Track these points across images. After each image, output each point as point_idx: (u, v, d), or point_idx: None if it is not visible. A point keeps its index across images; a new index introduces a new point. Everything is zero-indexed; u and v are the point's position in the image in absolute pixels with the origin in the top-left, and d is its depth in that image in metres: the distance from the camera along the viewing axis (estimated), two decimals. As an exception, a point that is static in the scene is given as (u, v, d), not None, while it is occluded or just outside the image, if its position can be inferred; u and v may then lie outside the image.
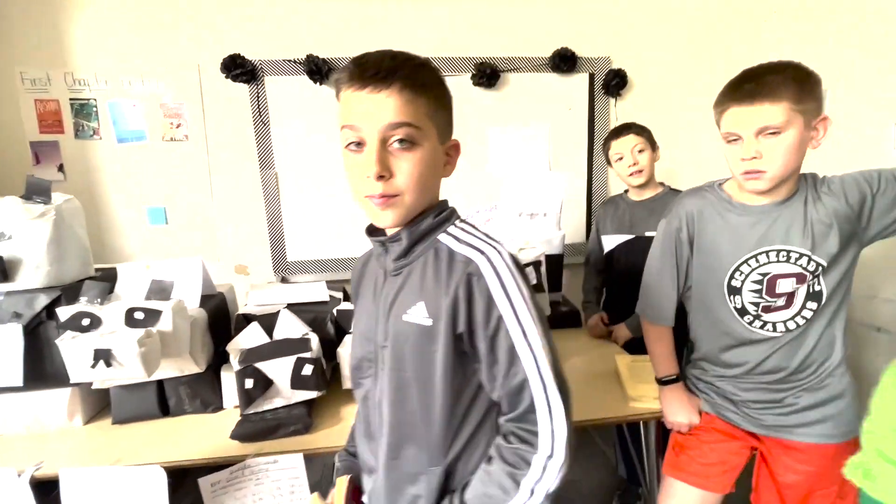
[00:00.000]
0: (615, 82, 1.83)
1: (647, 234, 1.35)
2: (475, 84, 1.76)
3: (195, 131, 1.73)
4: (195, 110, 1.72)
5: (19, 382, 0.95)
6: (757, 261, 0.84)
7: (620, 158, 1.35)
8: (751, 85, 0.78)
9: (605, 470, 1.66)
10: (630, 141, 1.33)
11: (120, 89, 1.66)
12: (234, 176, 1.77)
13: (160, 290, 0.99)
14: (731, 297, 0.87)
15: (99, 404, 1.08)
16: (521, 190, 1.55)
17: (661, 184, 1.41)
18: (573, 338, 1.44)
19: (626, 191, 1.45)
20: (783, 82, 0.75)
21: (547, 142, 1.88)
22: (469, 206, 1.73)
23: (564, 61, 1.77)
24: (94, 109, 1.66)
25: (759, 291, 0.84)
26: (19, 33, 1.59)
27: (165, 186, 1.75)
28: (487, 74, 1.73)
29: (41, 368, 0.99)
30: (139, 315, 0.92)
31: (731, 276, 0.86)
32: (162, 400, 1.06)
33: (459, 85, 1.78)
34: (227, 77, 1.65)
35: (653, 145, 1.35)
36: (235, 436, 0.95)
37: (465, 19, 1.75)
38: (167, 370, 1.02)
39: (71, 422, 1.03)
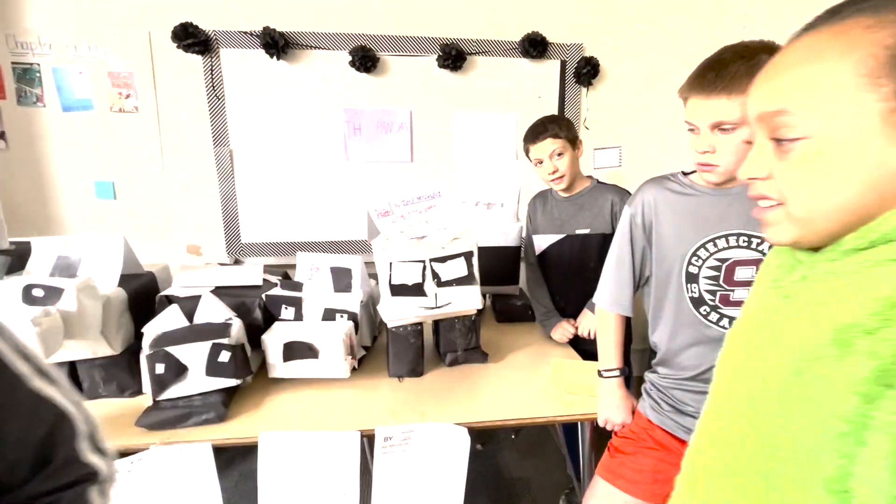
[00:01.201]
0: (587, 71, 1.76)
1: (578, 231, 1.31)
2: (440, 66, 1.70)
3: (146, 103, 1.65)
4: (146, 81, 1.64)
5: (-87, 359, 0.90)
6: (715, 245, 0.80)
7: (540, 163, 1.27)
8: (712, 75, 0.73)
9: (558, 469, 1.64)
10: (547, 146, 1.24)
11: (65, 55, 1.58)
12: (186, 151, 1.70)
13: (66, 267, 0.94)
14: (689, 285, 0.84)
15: (8, 384, 1.03)
16: (479, 178, 1.50)
17: (589, 177, 1.34)
18: (527, 332, 1.39)
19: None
20: (746, 74, 0.70)
21: (515, 130, 1.82)
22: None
23: (535, 46, 1.70)
24: (38, 75, 1.58)
25: (716, 279, 0.81)
26: (-45, -10, 1.50)
27: (114, 160, 1.68)
28: (453, 56, 1.66)
29: (-60, 345, 0.94)
30: (38, 292, 0.86)
31: (689, 262, 0.82)
32: (74, 382, 1.01)
33: (423, 67, 1.71)
34: (178, 47, 1.57)
35: (573, 143, 1.28)
36: (142, 423, 0.90)
37: (434, -3, 1.68)
38: (77, 351, 0.97)
39: (-24, 402, 0.98)
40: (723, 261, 0.80)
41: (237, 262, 1.78)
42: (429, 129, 1.78)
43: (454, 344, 1.15)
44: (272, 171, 1.73)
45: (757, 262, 0.78)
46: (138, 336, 1.06)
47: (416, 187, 1.07)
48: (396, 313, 0.96)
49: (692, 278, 0.83)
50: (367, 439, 0.93)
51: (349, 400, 1.03)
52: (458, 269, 0.93)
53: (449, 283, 0.94)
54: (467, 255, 0.94)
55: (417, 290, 0.94)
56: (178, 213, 1.75)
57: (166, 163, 1.70)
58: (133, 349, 1.04)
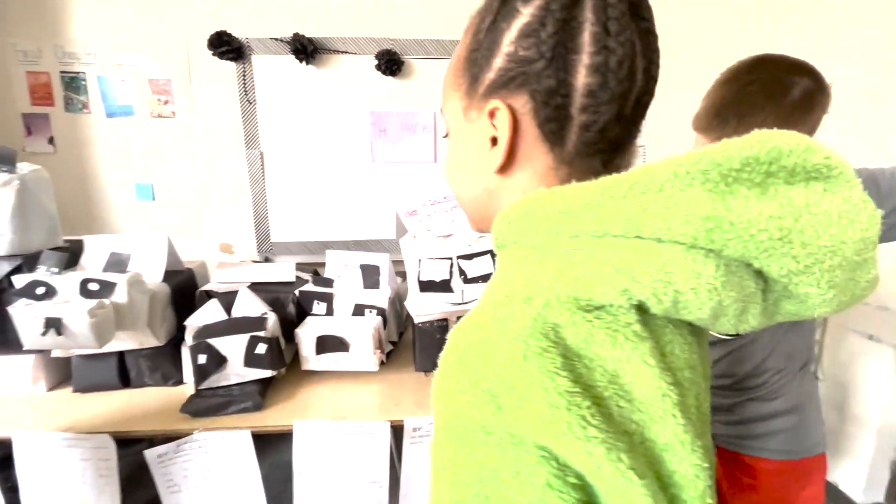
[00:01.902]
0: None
1: None
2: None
3: (182, 108, 1.73)
4: (183, 87, 1.72)
5: (-19, 347, 0.98)
6: None
7: None
8: (720, 120, 0.72)
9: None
10: None
11: (108, 63, 1.67)
12: (220, 154, 1.78)
13: (117, 263, 1.00)
14: None
15: (63, 373, 1.10)
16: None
17: None
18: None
19: None
20: (763, 122, 0.66)
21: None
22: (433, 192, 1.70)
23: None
24: (84, 83, 1.67)
25: None
26: (10, 4, 1.60)
27: (153, 162, 1.76)
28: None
29: (4, 335, 1.01)
30: (93, 286, 0.93)
31: None
32: (123, 371, 1.07)
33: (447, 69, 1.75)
34: (213, 54, 1.64)
35: None
36: (186, 410, 0.96)
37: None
38: (126, 342, 1.03)
39: (34, 388, 1.06)
40: None
41: (267, 259, 1.84)
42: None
43: (479, 340, 1.18)
44: (301, 172, 1.79)
45: None
46: (180, 328, 1.12)
47: (441, 187, 1.10)
48: (424, 309, 0.99)
49: None
50: (396, 430, 0.96)
51: (378, 392, 1.07)
52: (483, 266, 0.96)
53: (475, 280, 0.97)
54: (493, 253, 0.96)
55: (445, 286, 0.97)
56: (211, 213, 1.82)
57: (201, 165, 1.78)
58: (175, 341, 1.10)
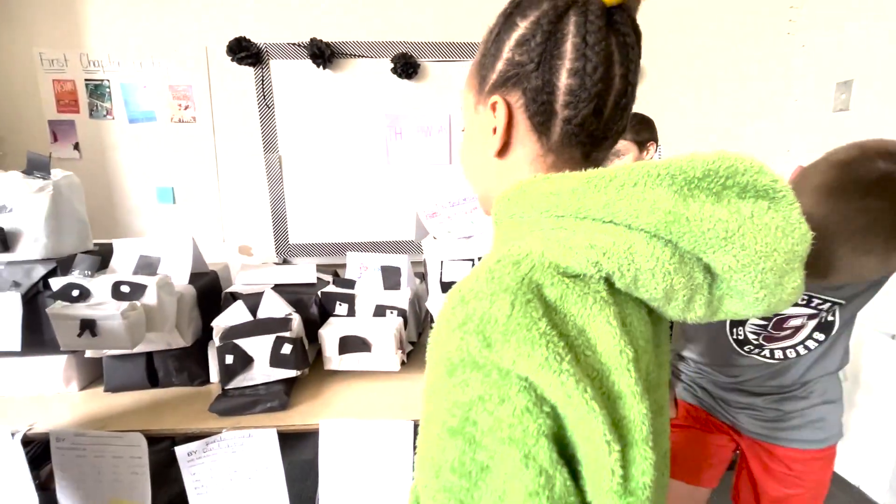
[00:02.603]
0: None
1: None
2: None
3: (202, 113, 1.77)
4: (203, 92, 1.75)
5: (17, 347, 1.01)
6: None
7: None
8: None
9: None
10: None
11: (131, 70, 1.71)
12: (239, 158, 1.81)
13: (147, 266, 1.03)
14: (734, 328, 0.80)
15: (94, 372, 1.13)
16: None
17: None
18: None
19: None
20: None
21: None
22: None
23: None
24: (108, 90, 1.71)
25: (763, 327, 0.77)
26: (38, 15, 1.65)
27: (174, 167, 1.80)
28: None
29: (39, 336, 1.04)
30: (125, 288, 0.95)
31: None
32: (151, 371, 1.10)
33: (462, 71, 1.76)
34: (232, 60, 1.67)
35: (641, 145, 1.27)
36: (214, 409, 0.98)
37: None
38: (154, 343, 1.06)
39: (67, 388, 1.09)
40: (775, 314, 0.75)
41: (286, 261, 1.87)
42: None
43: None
44: (318, 175, 1.82)
45: (809, 315, 0.73)
46: (205, 329, 1.15)
47: (457, 189, 1.11)
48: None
49: (738, 322, 0.79)
50: (418, 428, 0.97)
51: (400, 391, 1.08)
52: (505, 266, 0.97)
53: (497, 281, 0.98)
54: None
55: (467, 287, 0.99)
56: (230, 216, 1.86)
57: (220, 169, 1.81)
58: (201, 341, 1.13)
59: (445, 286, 0.99)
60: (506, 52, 0.40)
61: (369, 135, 1.80)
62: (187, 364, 1.11)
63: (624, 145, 1.25)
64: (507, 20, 0.41)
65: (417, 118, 1.79)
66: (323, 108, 1.77)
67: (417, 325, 1.30)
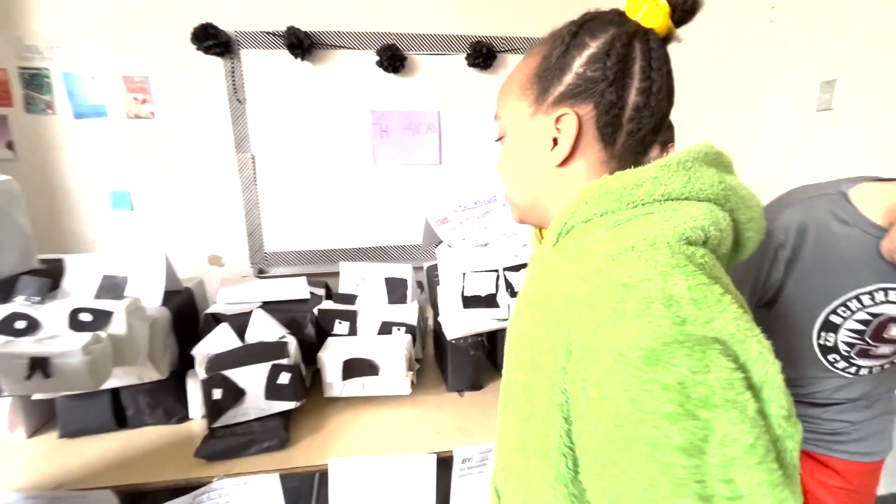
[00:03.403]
0: (618, 67, 1.73)
1: None
2: (470, 65, 1.65)
3: (163, 108, 1.57)
4: (163, 85, 1.56)
5: (-55, 393, 0.82)
6: (873, 298, 0.66)
7: None
8: None
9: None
10: None
11: (76, 58, 1.49)
12: (206, 159, 1.63)
13: (112, 287, 0.86)
14: (823, 332, 0.71)
15: (45, 415, 0.95)
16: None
17: None
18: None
19: None
20: None
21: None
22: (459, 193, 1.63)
23: (566, 43, 1.66)
24: (47, 80, 1.49)
25: (861, 333, 0.69)
26: (-43, -10, 1.40)
27: (130, 168, 1.60)
28: (483, 55, 1.61)
29: (-27, 376, 0.86)
30: (86, 317, 0.79)
31: (833, 311, 0.68)
32: (118, 410, 0.94)
33: (452, 66, 1.66)
34: (198, 49, 1.49)
35: (663, 145, 1.24)
36: (202, 454, 0.83)
37: (461, -6, 1.62)
38: (123, 378, 0.90)
39: (12, 434, 0.91)
40: (875, 315, 0.67)
41: (261, 272, 1.70)
42: (457, 131, 1.73)
43: (513, 354, 1.10)
44: (297, 177, 1.67)
45: None
46: (181, 357, 0.99)
47: (467, 192, 1.01)
48: (465, 326, 0.91)
49: (831, 327, 0.70)
50: (440, 461, 0.87)
51: (413, 418, 0.98)
52: (532, 277, 0.88)
53: (522, 293, 0.89)
54: (542, 263, 0.89)
55: (490, 301, 0.89)
56: (198, 223, 1.67)
57: (185, 171, 1.62)
58: (179, 372, 0.97)
59: (468, 301, 0.89)
60: (576, 67, 0.43)
61: (353, 133, 1.67)
62: (162, 399, 0.95)
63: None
64: (574, 38, 0.44)
65: (405, 115, 1.68)
66: (301, 104, 1.62)
67: (422, 341, 1.19)
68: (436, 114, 1.70)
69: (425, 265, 1.27)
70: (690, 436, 0.31)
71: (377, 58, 1.58)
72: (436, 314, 1.12)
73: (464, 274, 0.87)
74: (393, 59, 1.57)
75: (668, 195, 0.40)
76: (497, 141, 0.51)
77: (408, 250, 1.75)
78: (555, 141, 0.45)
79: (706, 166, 0.41)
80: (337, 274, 1.53)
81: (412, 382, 1.01)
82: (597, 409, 0.34)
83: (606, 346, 0.34)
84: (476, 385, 1.08)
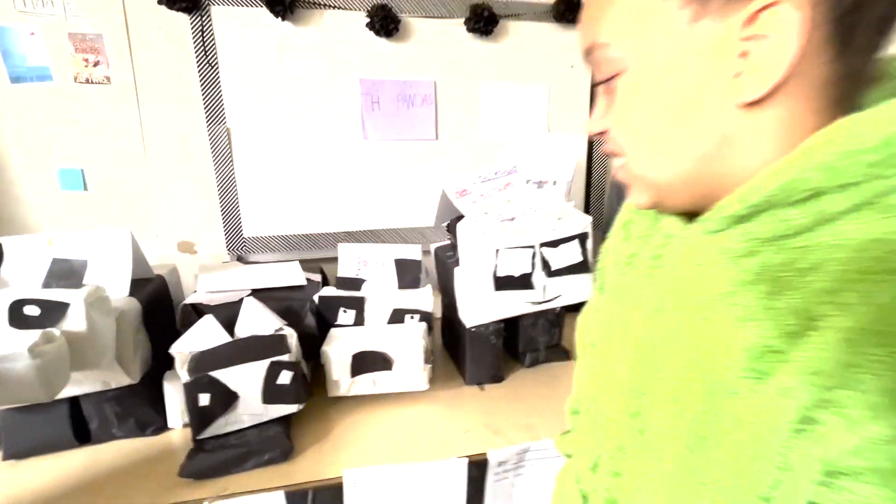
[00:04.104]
0: (623, 37, 1.64)
1: None
2: (469, 30, 1.51)
3: (120, 72, 1.37)
4: (119, 45, 1.35)
5: None
6: None
7: None
8: None
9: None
10: None
11: (10, 11, 1.27)
12: (173, 131, 1.43)
13: (67, 274, 0.70)
14: None
15: (-16, 432, 0.78)
16: (528, 152, 1.34)
17: None
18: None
19: None
20: None
21: (546, 102, 1.67)
22: (458, 173, 1.51)
23: (571, 9, 1.55)
24: (-25, 36, 1.26)
25: None
26: None
27: (83, 142, 1.38)
28: (485, 19, 1.48)
29: None
30: (32, 310, 0.63)
31: None
32: (78, 423, 0.78)
33: (450, 31, 1.53)
34: (159, 3, 1.30)
35: None
36: (188, 472, 0.69)
37: (458, -48, 1.48)
38: (83, 385, 0.74)
39: (-60, 459, 0.73)
40: None
41: (240, 259, 1.53)
42: (454, 104, 1.60)
43: (536, 341, 1.00)
44: (278, 152, 1.50)
45: None
46: (156, 357, 0.84)
47: (487, 164, 0.90)
48: (497, 311, 0.79)
49: None
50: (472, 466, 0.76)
51: (433, 417, 0.86)
52: (571, 254, 0.78)
53: (559, 273, 0.78)
54: (582, 238, 0.78)
55: (524, 281, 0.78)
56: (165, 205, 1.48)
57: (149, 145, 1.43)
58: (153, 374, 0.82)
59: (501, 282, 0.78)
60: None
61: (340, 104, 1.51)
62: (134, 407, 0.80)
63: None
64: None
65: (398, 85, 1.54)
66: (282, 70, 1.45)
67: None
68: (431, 84, 1.56)
69: (433, 246, 1.15)
70: None
71: (368, 20, 1.42)
72: (447, 299, 1.00)
73: (497, 251, 0.76)
74: (385, 21, 1.42)
75: None
76: (602, 84, 0.33)
77: (402, 233, 1.61)
78: (744, 58, 0.26)
79: None
80: (329, 260, 1.38)
81: (429, 377, 0.90)
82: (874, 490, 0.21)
83: None
84: (497, 377, 0.97)
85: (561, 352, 1.04)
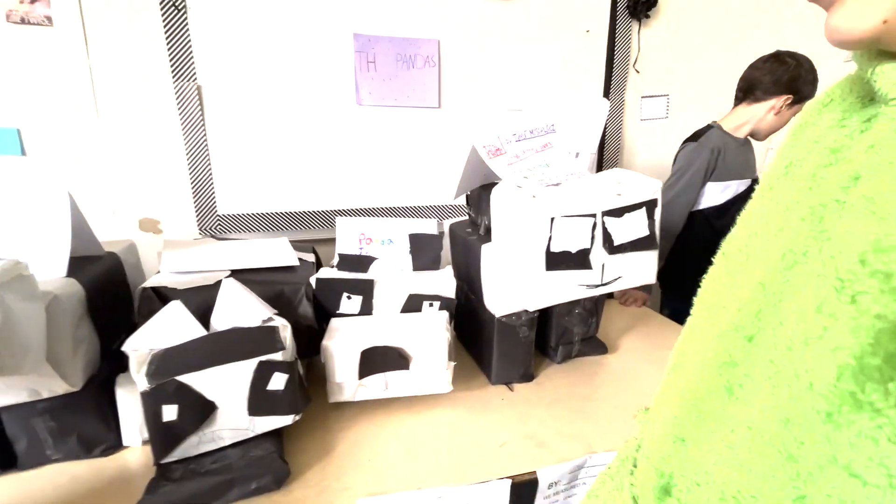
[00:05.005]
0: (644, 1, 1.49)
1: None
2: (479, -16, 1.34)
3: (64, 12, 1.14)
4: (62, -22, 1.12)
5: None
6: None
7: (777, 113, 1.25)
8: None
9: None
10: None
11: (-80, -74, 1.02)
12: (132, 87, 1.21)
13: (-30, 244, 0.51)
14: None
15: None
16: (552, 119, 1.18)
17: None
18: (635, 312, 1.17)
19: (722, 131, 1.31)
20: None
21: (559, 69, 1.52)
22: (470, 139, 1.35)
23: (589, -34, 1.40)
24: None
25: None
26: None
27: (18, 97, 1.15)
28: (497, -30, 1.31)
29: None
30: (-87, 294, 0.44)
31: None
32: (1, 444, 0.59)
33: (458, -18, 1.35)
34: (113, -73, 1.07)
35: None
36: (147, 509, 0.52)
37: None
38: (4, 395, 0.55)
39: None
40: None
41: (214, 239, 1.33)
42: (461, 67, 1.43)
43: (570, 333, 0.86)
44: (258, 116, 1.30)
45: None
46: (105, 355, 0.65)
47: (520, 120, 0.74)
48: (546, 296, 0.64)
49: None
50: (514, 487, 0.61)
51: (458, 426, 0.71)
52: (637, 226, 0.63)
53: (622, 248, 0.64)
54: (650, 206, 0.63)
55: (582, 259, 0.63)
56: (122, 176, 1.26)
57: (101, 102, 1.20)
58: (102, 378, 0.63)
59: (554, 259, 0.62)
60: None
61: (331, 63, 1.32)
62: (76, 422, 0.61)
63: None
64: None
65: (397, 43, 1.35)
66: (264, 20, 1.25)
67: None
68: (435, 43, 1.38)
69: (446, 224, 0.99)
70: None
71: (364, -37, 1.23)
72: (464, 283, 0.85)
73: (552, 220, 0.60)
74: (384, -34, 1.23)
75: None
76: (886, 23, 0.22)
77: (401, 213, 1.45)
78: None
79: None
80: (318, 241, 1.20)
81: (452, 377, 0.74)
82: None
83: None
84: (528, 374, 0.83)
85: (597, 345, 0.91)
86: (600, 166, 1.64)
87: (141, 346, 0.58)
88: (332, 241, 0.88)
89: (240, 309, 0.64)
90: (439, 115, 1.44)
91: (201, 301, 0.64)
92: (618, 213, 0.61)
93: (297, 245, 0.89)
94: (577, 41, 1.52)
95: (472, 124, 1.46)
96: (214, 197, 1.32)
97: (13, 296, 0.49)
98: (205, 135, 1.27)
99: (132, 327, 0.62)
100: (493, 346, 0.79)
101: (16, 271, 0.49)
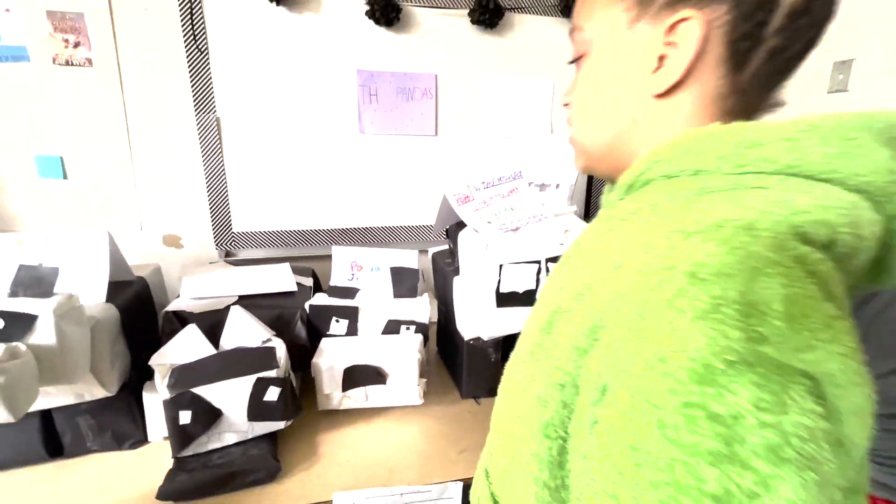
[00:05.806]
0: (631, 35, 1.59)
1: None
2: (474, 22, 1.45)
3: (103, 54, 1.29)
4: (101, 25, 1.27)
5: None
6: None
7: None
8: None
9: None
10: None
11: (-16, -16, 1.18)
12: (159, 118, 1.36)
13: (34, 282, 0.65)
14: None
15: (-53, 444, 0.73)
16: (531, 153, 1.29)
17: None
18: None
19: None
20: None
21: (550, 100, 1.62)
22: (458, 171, 1.46)
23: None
24: (-55, 10, 1.17)
25: None
26: None
27: (62, 128, 1.31)
28: (490, 11, 1.42)
29: None
30: (-4, 323, 0.58)
31: None
32: (50, 436, 0.73)
33: (453, 23, 1.46)
34: (146, -19, 1.22)
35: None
36: (166, 494, 0.65)
37: (463, -61, 1.41)
38: (55, 397, 0.69)
39: None
40: None
41: (229, 255, 1.48)
42: (456, 99, 1.54)
43: (535, 354, 0.96)
44: (270, 144, 1.44)
45: None
46: (135, 366, 0.79)
47: (490, 168, 0.85)
48: (498, 327, 0.75)
49: None
50: (466, 488, 0.73)
51: (427, 434, 0.82)
52: (578, 270, 0.74)
53: (565, 289, 0.75)
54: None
55: (528, 298, 0.74)
56: (150, 196, 1.42)
57: (133, 132, 1.36)
58: (132, 385, 0.77)
59: (504, 298, 0.74)
60: None
61: (336, 95, 1.45)
62: (111, 420, 0.75)
63: None
64: None
65: (398, 77, 1.47)
66: (276, 58, 1.38)
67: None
68: (433, 77, 1.50)
69: (430, 251, 1.10)
70: (732, 487, 0.23)
71: (367, 7, 1.35)
72: (444, 307, 0.96)
73: (501, 266, 0.71)
74: (386, 9, 1.35)
75: (798, 168, 0.29)
76: (573, 63, 0.41)
77: (398, 232, 1.57)
78: (661, 60, 0.33)
79: (878, 144, 0.29)
80: (322, 258, 1.33)
81: (424, 391, 0.86)
82: (611, 422, 0.25)
83: (645, 347, 0.25)
84: (494, 391, 0.94)
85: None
86: (589, 192, 1.73)
87: (164, 361, 0.71)
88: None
89: (244, 331, 0.77)
90: (436, 142, 1.55)
91: (212, 323, 0.78)
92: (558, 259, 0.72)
93: (298, 269, 1.02)
94: (569, 72, 1.62)
95: (465, 151, 1.57)
96: (230, 216, 1.46)
97: (67, 323, 0.62)
98: (222, 161, 1.42)
99: (157, 342, 0.75)
100: (463, 364, 0.90)
101: (70, 304, 0.63)
